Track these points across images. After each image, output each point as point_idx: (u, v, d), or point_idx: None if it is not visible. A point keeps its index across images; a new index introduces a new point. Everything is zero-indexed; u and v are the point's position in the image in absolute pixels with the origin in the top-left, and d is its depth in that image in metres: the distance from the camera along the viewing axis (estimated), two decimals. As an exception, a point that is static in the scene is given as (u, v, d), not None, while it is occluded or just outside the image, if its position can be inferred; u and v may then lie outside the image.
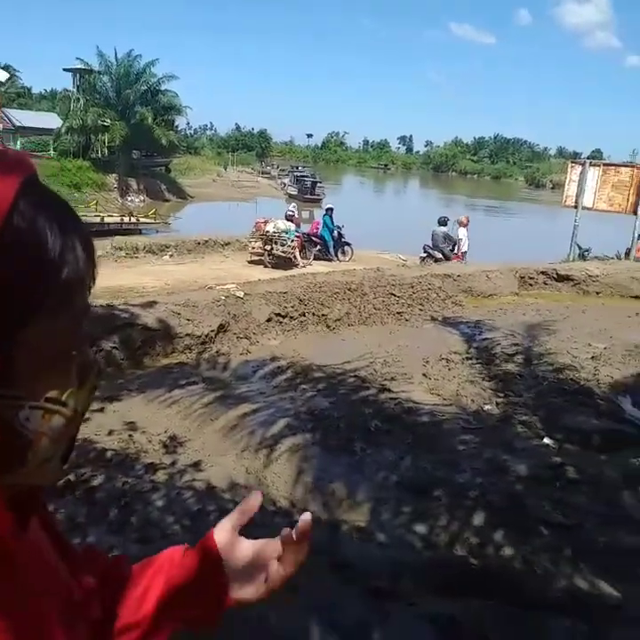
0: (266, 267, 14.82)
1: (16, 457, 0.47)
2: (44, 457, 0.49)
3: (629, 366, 5.84)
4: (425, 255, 14.75)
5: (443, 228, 14.81)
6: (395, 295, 8.65)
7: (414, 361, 6.10)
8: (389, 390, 5.32)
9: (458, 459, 4.08)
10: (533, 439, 4.33)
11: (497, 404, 4.97)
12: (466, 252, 14.34)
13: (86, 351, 0.52)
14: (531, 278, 10.20)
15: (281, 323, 7.36)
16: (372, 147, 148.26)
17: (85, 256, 0.51)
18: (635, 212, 13.52)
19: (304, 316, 7.65)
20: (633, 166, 13.86)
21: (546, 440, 4.29)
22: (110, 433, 4.26)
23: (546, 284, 10.18)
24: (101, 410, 4.57)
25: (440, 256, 14.45)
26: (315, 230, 17.48)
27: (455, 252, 14.33)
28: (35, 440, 0.48)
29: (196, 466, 3.92)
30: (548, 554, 3.06)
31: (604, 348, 6.30)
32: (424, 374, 5.75)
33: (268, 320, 7.23)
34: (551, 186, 74.46)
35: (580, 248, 16.83)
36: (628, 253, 14.15)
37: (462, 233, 14.43)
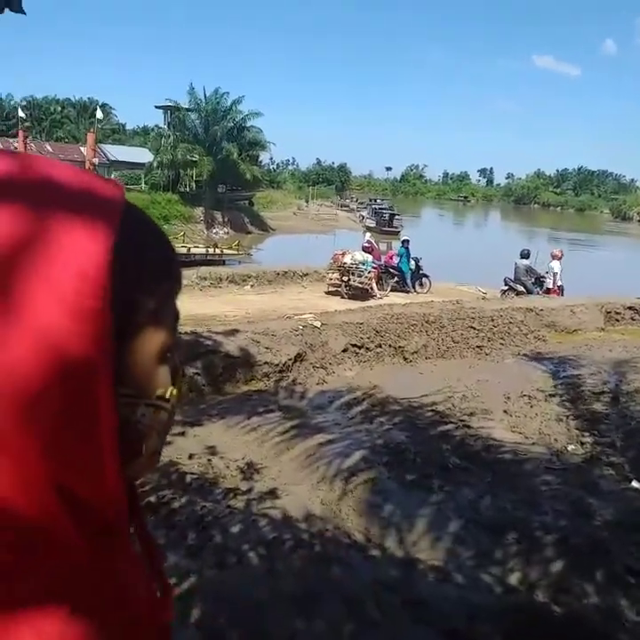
0: (343, 297, 14.93)
1: (135, 450, 0.52)
2: (153, 449, 0.54)
3: None
4: (506, 288, 14.47)
5: (525, 261, 14.51)
6: (474, 328, 8.50)
7: (494, 397, 5.95)
8: (468, 426, 5.21)
9: (539, 500, 3.93)
10: (621, 482, 4.12)
11: (582, 443, 4.77)
12: (562, 286, 13.94)
13: (176, 355, 0.57)
14: (617, 313, 9.79)
15: (357, 354, 7.37)
16: (451, 179, 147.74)
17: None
18: None
19: (380, 347, 7.64)
20: None
21: (634, 484, 4.06)
22: (191, 457, 4.38)
23: (633, 319, 9.74)
24: (183, 433, 4.71)
25: (522, 289, 14.12)
26: (389, 260, 17.51)
27: (551, 286, 13.95)
28: (148, 434, 0.53)
29: (272, 493, 3.96)
30: (636, 605, 2.89)
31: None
32: (505, 411, 5.60)
33: (344, 350, 7.26)
34: (638, 219, 71.41)
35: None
36: None
37: (556, 266, 14.02)
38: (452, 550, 3.46)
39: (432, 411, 5.59)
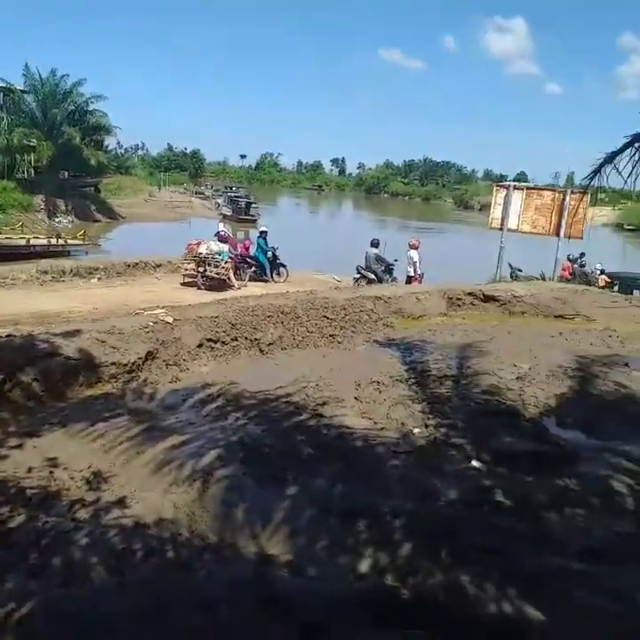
0: (199, 289, 14.64)
1: None
2: None
3: (552, 386, 6.03)
4: (358, 276, 14.97)
5: (375, 250, 15.10)
6: (327, 318, 8.69)
7: (346, 384, 6.10)
8: (322, 415, 5.29)
9: (388, 484, 4.08)
10: (462, 462, 4.39)
11: (426, 426, 5.02)
12: (422, 273, 14.69)
13: None
14: (458, 299, 10.46)
15: (212, 348, 7.24)
16: (306, 168, 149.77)
17: None
18: (557, 234, 14.13)
19: (236, 340, 7.56)
20: (553, 190, 14.53)
21: (474, 463, 4.35)
22: (30, 470, 4.06)
23: (473, 304, 10.45)
24: (20, 446, 4.35)
25: (373, 277, 14.69)
26: (245, 251, 17.47)
27: (413, 274, 14.63)
28: None
29: (121, 502, 3.77)
30: (477, 579, 3.08)
31: (529, 369, 6.49)
32: (356, 398, 5.76)
33: (199, 346, 7.10)
34: (479, 207, 77.05)
35: (512, 267, 17.51)
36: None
37: (415, 255, 14.77)
38: (306, 543, 3.49)
39: (287, 402, 5.61)
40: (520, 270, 17.58)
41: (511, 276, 16.94)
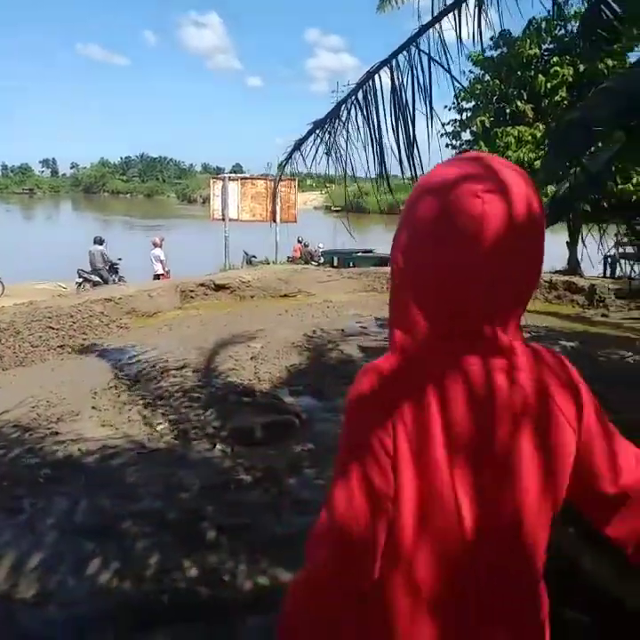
0: None
1: None
2: None
3: (283, 360, 6.44)
4: (81, 280, 14.08)
5: (99, 247, 14.29)
6: (53, 328, 8.08)
7: (82, 395, 5.77)
8: (57, 432, 4.94)
9: (136, 487, 3.98)
10: (207, 449, 4.46)
11: (170, 421, 4.99)
12: (169, 270, 14.27)
13: None
14: (191, 291, 10.52)
15: None
16: (12, 171, 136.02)
17: None
18: (274, 220, 14.97)
19: (-57, 370, 6.64)
20: (265, 178, 15.32)
21: (218, 446, 4.46)
22: None
23: (206, 294, 10.62)
24: None
25: (97, 279, 13.93)
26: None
27: (161, 272, 14.09)
28: None
29: None
30: (230, 558, 3.18)
31: (261, 347, 6.83)
32: (93, 407, 5.48)
33: None
34: (202, 200, 77.87)
35: (247, 255, 18.09)
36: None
37: (160, 253, 14.28)
38: (53, 568, 3.24)
39: (15, 426, 5.11)
40: (254, 256, 18.31)
41: (247, 262, 17.57)
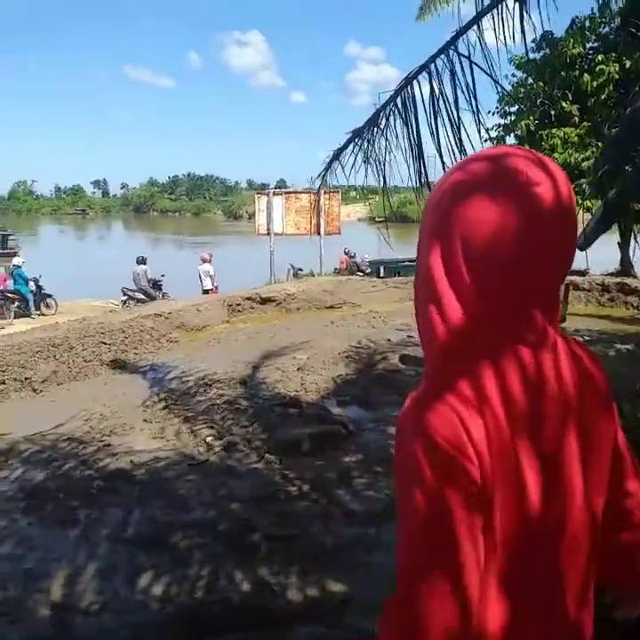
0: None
1: None
2: None
3: (329, 370, 6.44)
4: (125, 298, 14.42)
5: (143, 267, 14.64)
6: (105, 343, 8.28)
7: (133, 408, 5.89)
8: (110, 445, 5.04)
9: (187, 498, 4.03)
10: (255, 460, 4.48)
11: (219, 433, 5.04)
12: (217, 285, 14.49)
13: None
14: (238, 305, 10.66)
15: (-25, 398, 6.50)
16: (65, 193, 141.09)
17: None
18: (318, 233, 15.05)
19: (4, 383, 6.87)
20: (309, 192, 15.42)
21: (266, 458, 4.47)
22: None
23: (253, 308, 10.74)
24: None
25: (142, 296, 14.23)
26: (3, 284, 16.00)
27: (210, 287, 14.32)
28: None
29: None
30: (281, 568, 3.18)
31: (307, 358, 6.84)
32: (145, 420, 5.58)
33: (-41, 397, 6.33)
34: (248, 216, 79.04)
35: (293, 268, 18.27)
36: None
37: (209, 268, 14.51)
38: (108, 578, 3.31)
39: (69, 439, 5.25)
40: (301, 269, 18.45)
41: (294, 276, 17.73)
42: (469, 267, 0.84)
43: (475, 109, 3.32)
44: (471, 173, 0.86)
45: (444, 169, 3.42)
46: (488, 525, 0.80)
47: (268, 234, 15.48)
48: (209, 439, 4.92)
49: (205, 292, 14.34)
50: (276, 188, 19.05)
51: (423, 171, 3.56)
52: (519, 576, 0.83)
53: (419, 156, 3.48)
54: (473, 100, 3.33)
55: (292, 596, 3.00)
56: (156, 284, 14.82)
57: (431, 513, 0.78)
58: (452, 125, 3.37)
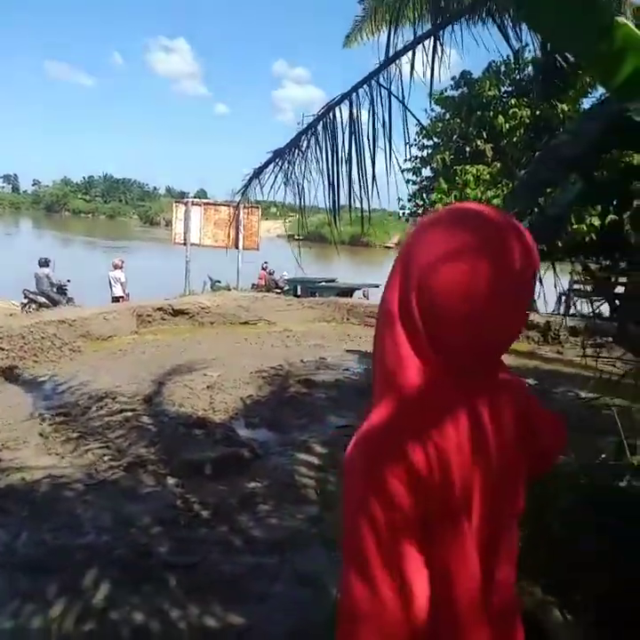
0: None
1: None
2: None
3: (240, 390, 6.34)
4: (26, 301, 13.62)
5: (45, 270, 13.83)
6: (3, 349, 7.82)
7: (28, 421, 5.56)
8: (0, 460, 4.74)
9: (81, 520, 3.83)
10: (156, 482, 4.32)
11: (120, 451, 4.84)
12: (128, 293, 13.92)
13: None
14: (148, 316, 10.33)
15: None
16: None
17: None
18: (236, 246, 14.92)
19: None
20: (229, 205, 15.27)
21: (168, 480, 4.32)
22: None
23: (164, 319, 10.44)
24: None
25: (44, 300, 13.48)
26: None
27: (121, 294, 13.71)
28: None
29: None
30: (179, 598, 3.07)
31: (218, 376, 6.72)
32: (40, 434, 5.27)
33: None
34: (165, 223, 77.46)
35: (211, 280, 17.95)
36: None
37: (121, 275, 13.92)
38: (-14, 608, 3.08)
39: (-45, 452, 4.88)
40: (219, 281, 18.15)
41: (211, 288, 17.41)
42: (423, 312, 0.89)
43: (388, 139, 3.43)
44: (450, 229, 0.89)
45: (350, 195, 3.52)
46: (426, 543, 0.88)
47: (185, 244, 15.20)
48: (108, 458, 4.70)
49: (115, 299, 13.81)
50: (195, 198, 18.68)
51: (337, 195, 3.63)
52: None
53: (337, 180, 3.54)
54: (388, 130, 3.44)
55: (190, 626, 2.90)
56: (61, 289, 14.06)
57: (369, 534, 0.84)
58: (363, 153, 3.48)
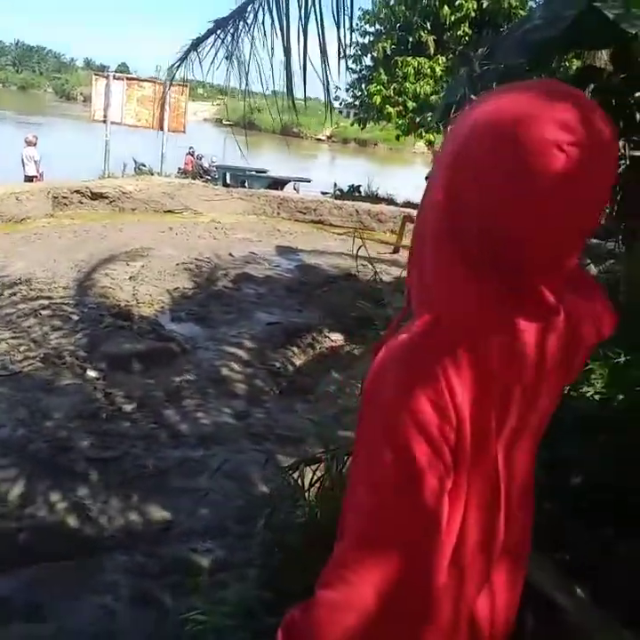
0: None
1: None
2: None
3: (165, 282, 6.08)
4: None
5: None
6: None
7: None
8: None
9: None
10: (76, 375, 4.13)
11: (34, 341, 4.57)
12: (43, 172, 12.77)
13: None
14: (65, 198, 9.61)
15: None
16: None
17: None
18: (161, 128, 13.91)
19: None
20: (154, 82, 14.11)
21: (89, 372, 4.14)
22: None
23: (81, 203, 9.75)
24: None
25: None
26: None
27: (35, 174, 12.55)
28: None
29: None
30: (100, 492, 2.99)
31: (142, 266, 6.41)
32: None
33: None
34: (82, 99, 71.67)
35: (136, 163, 16.80)
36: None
37: (35, 153, 12.66)
38: None
39: None
40: (144, 165, 17.04)
41: (135, 171, 16.34)
42: (467, 221, 0.73)
43: (336, 23, 3.09)
44: (497, 114, 0.71)
45: (304, 80, 3.19)
46: (456, 487, 0.76)
47: (105, 121, 14.03)
48: (23, 348, 4.44)
49: (28, 179, 12.78)
50: (116, 72, 17.19)
51: (289, 77, 3.27)
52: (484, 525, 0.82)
53: (287, 60, 3.18)
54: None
55: (111, 521, 2.85)
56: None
57: (403, 471, 0.72)
58: (318, 35, 3.13)
